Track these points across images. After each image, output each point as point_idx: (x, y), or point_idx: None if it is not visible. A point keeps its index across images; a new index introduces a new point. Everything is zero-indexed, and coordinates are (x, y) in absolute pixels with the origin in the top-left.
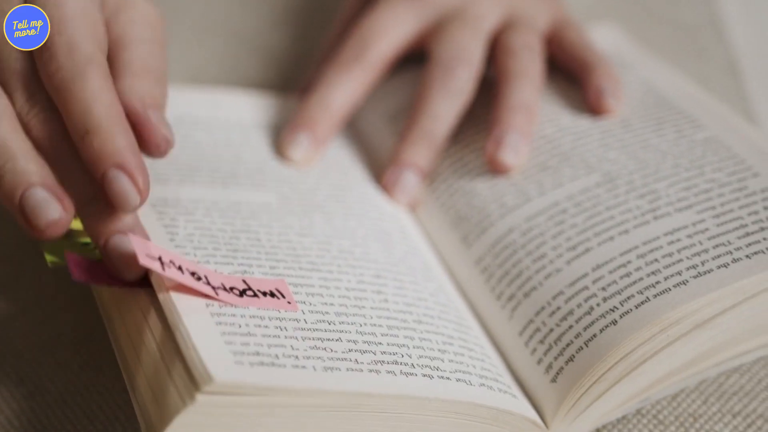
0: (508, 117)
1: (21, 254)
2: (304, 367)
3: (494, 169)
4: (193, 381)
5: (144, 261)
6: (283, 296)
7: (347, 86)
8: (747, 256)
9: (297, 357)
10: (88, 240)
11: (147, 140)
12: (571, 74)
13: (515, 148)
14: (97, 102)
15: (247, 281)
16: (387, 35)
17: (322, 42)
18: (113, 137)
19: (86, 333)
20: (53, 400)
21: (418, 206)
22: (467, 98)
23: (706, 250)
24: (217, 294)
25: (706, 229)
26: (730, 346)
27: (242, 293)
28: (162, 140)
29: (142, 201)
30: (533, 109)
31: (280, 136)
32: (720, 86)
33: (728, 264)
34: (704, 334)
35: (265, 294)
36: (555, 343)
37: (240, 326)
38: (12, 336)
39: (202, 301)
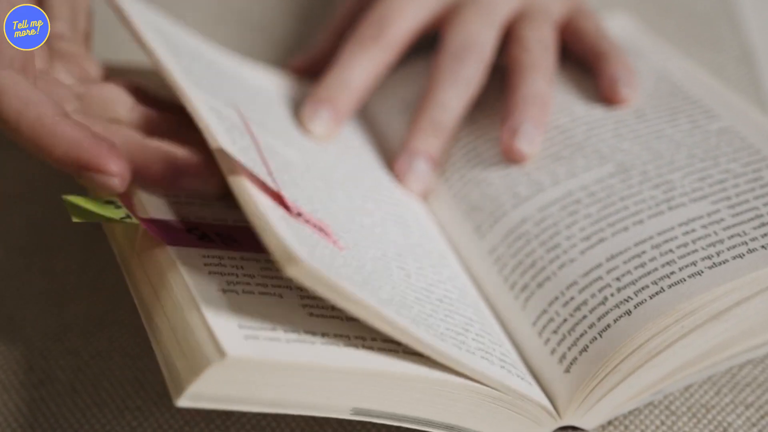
0: (523, 107)
1: (31, 242)
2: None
3: (510, 158)
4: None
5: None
6: (329, 236)
7: (366, 65)
8: (762, 247)
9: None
10: (112, 198)
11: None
12: (585, 63)
13: (530, 137)
14: (23, 117)
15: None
16: (405, 16)
17: (325, 24)
18: (56, 144)
19: (96, 322)
20: (63, 388)
21: (431, 195)
22: (476, 88)
23: (721, 241)
24: (288, 205)
25: (722, 220)
26: (744, 338)
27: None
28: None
29: (123, 181)
30: (547, 100)
31: (300, 111)
32: (734, 76)
33: (743, 254)
34: (719, 326)
35: (315, 226)
36: (569, 333)
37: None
38: (22, 324)
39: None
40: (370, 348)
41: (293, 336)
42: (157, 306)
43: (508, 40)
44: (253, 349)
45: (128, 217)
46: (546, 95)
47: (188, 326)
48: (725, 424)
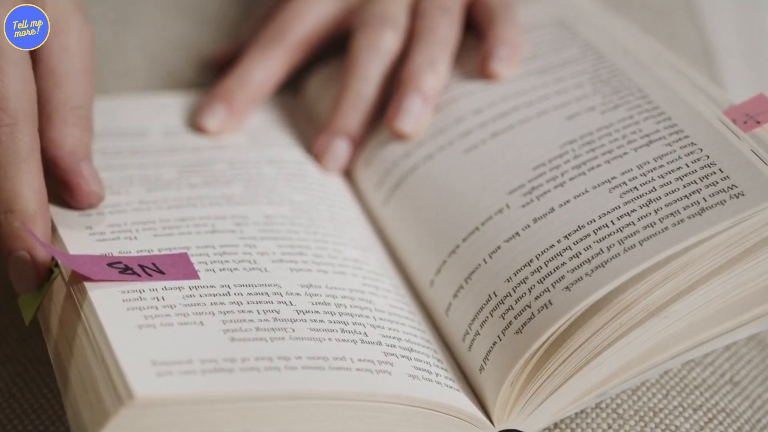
0: (410, 78)
1: None
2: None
3: (394, 135)
4: None
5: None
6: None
7: (266, 65)
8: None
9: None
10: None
11: (77, 194)
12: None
13: (414, 112)
14: (27, 186)
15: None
16: (307, 18)
17: (241, 32)
18: (33, 223)
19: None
20: (1, 394)
21: (353, 171)
22: (393, 58)
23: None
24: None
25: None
26: (685, 336)
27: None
28: (93, 195)
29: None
30: (437, 66)
31: (197, 107)
32: None
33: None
34: (658, 323)
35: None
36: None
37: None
38: None
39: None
40: (294, 368)
41: (210, 366)
42: (69, 354)
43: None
44: (164, 386)
45: (56, 266)
46: (436, 61)
47: (99, 370)
48: (673, 428)
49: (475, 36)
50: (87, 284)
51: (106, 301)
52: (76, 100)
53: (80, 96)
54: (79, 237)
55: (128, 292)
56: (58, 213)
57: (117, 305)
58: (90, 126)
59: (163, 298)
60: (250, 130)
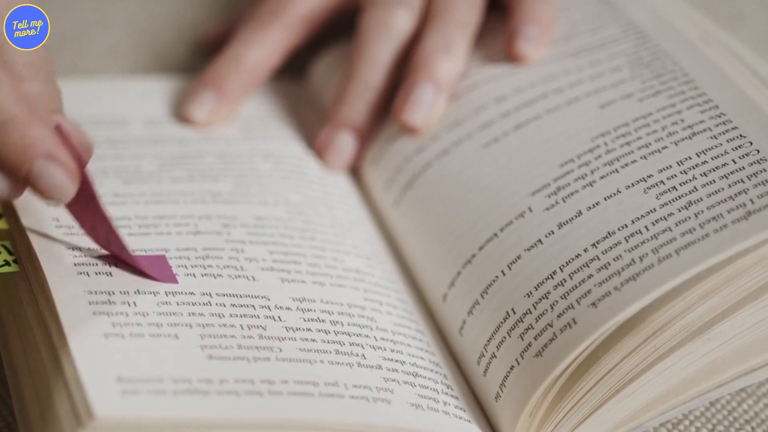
0: (422, 64)
1: None
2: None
3: (402, 129)
4: None
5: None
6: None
7: (263, 45)
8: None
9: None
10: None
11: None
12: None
13: (425, 103)
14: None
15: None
16: None
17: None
18: (32, 127)
19: None
20: None
21: (359, 168)
22: (407, 41)
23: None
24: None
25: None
26: (736, 361)
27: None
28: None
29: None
30: (453, 49)
31: (184, 94)
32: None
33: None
34: (702, 346)
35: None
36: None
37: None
38: None
39: None
40: (279, 393)
41: (183, 386)
42: (24, 365)
43: None
44: (129, 407)
45: (7, 264)
46: (453, 45)
47: (57, 384)
48: None
49: (502, 15)
50: (50, 282)
51: (69, 302)
52: (31, 60)
53: (34, 57)
54: (44, 229)
55: (96, 293)
56: (21, 200)
57: (82, 308)
58: (54, 82)
59: (134, 303)
60: (244, 120)
